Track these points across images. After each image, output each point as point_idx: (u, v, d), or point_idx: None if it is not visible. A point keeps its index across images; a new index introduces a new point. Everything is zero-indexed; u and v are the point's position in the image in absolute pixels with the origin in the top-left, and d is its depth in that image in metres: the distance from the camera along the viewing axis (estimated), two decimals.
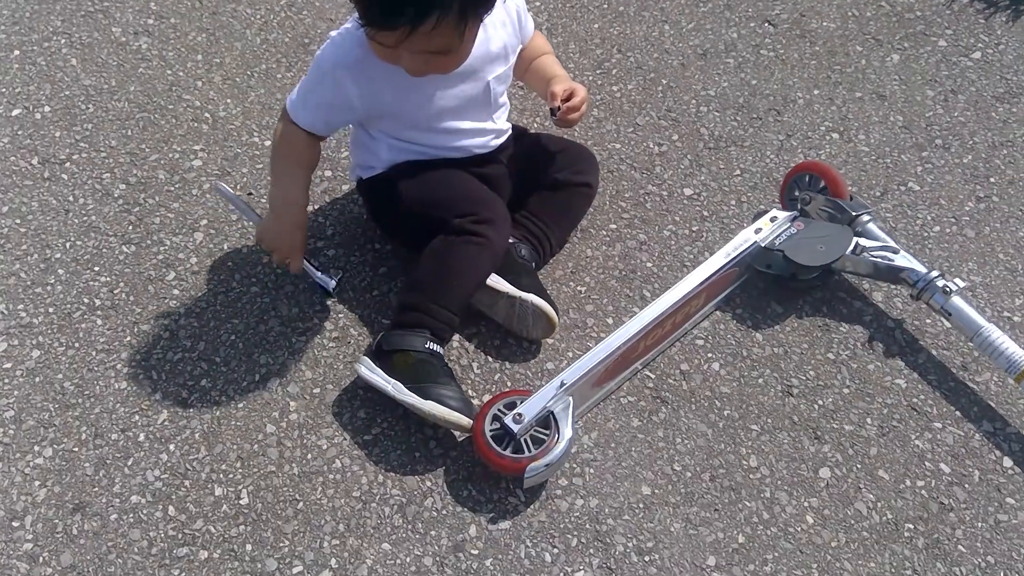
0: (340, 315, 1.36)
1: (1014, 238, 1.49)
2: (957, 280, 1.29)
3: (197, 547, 1.12)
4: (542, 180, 1.40)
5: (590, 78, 1.76)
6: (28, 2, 1.86)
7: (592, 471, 1.21)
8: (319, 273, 1.31)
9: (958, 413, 1.27)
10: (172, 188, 1.54)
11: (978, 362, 1.32)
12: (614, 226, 1.50)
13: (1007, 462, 1.23)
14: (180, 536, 1.13)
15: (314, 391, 1.28)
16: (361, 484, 1.18)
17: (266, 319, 1.36)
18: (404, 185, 1.29)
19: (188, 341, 1.33)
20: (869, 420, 1.27)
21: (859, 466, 1.22)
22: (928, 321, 1.37)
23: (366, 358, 1.23)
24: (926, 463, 1.23)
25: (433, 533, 1.14)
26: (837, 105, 1.71)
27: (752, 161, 1.61)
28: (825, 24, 1.87)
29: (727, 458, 1.23)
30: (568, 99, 1.31)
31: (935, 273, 1.30)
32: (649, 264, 1.45)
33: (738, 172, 1.59)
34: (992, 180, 1.58)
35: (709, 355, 1.34)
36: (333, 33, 1.22)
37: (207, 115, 1.66)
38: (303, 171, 1.29)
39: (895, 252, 1.33)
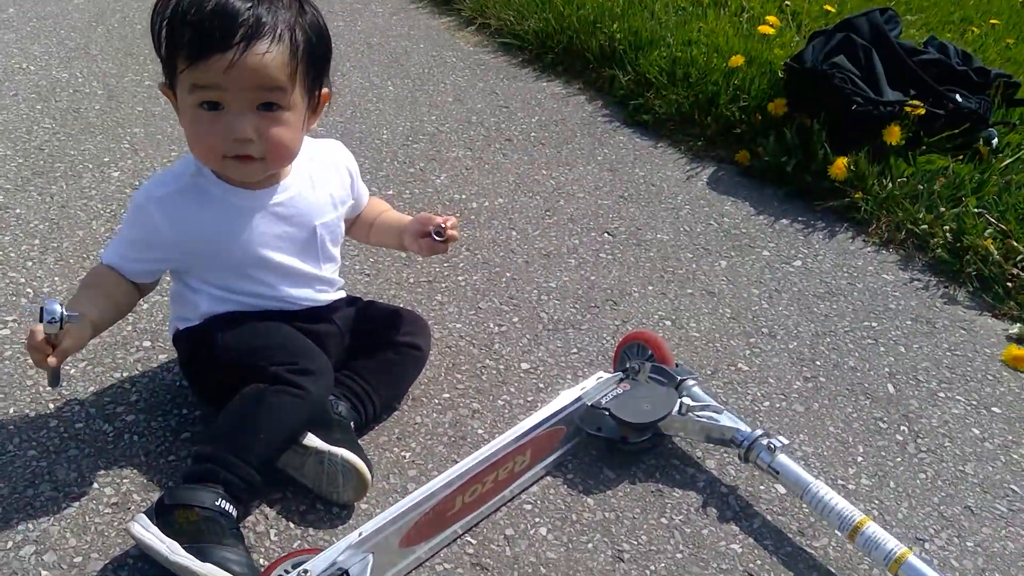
0: (125, 480, 1.22)
1: (843, 413, 1.50)
2: (781, 438, 1.27)
3: None
4: (370, 341, 1.36)
5: (437, 269, 1.80)
6: None
7: None
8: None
9: None
10: None
11: (815, 527, 1.26)
12: (447, 395, 1.45)
13: None
14: None
15: (75, 560, 1.09)
16: None
17: (37, 483, 1.19)
18: (221, 335, 1.23)
19: None
20: None
21: None
22: (762, 487, 1.32)
23: (142, 515, 1.08)
24: None
25: None
26: (670, 299, 1.78)
27: (589, 341, 1.62)
28: (659, 236, 2.01)
29: None
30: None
31: (759, 431, 1.28)
32: (480, 431, 1.38)
33: (575, 350, 1.60)
34: (818, 363, 1.63)
35: (536, 519, 1.23)
36: None
37: (29, 290, 1.59)
38: (101, 296, 1.17)
39: (719, 412, 1.32)
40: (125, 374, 1.40)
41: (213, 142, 1.13)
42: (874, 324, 1.76)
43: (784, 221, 2.12)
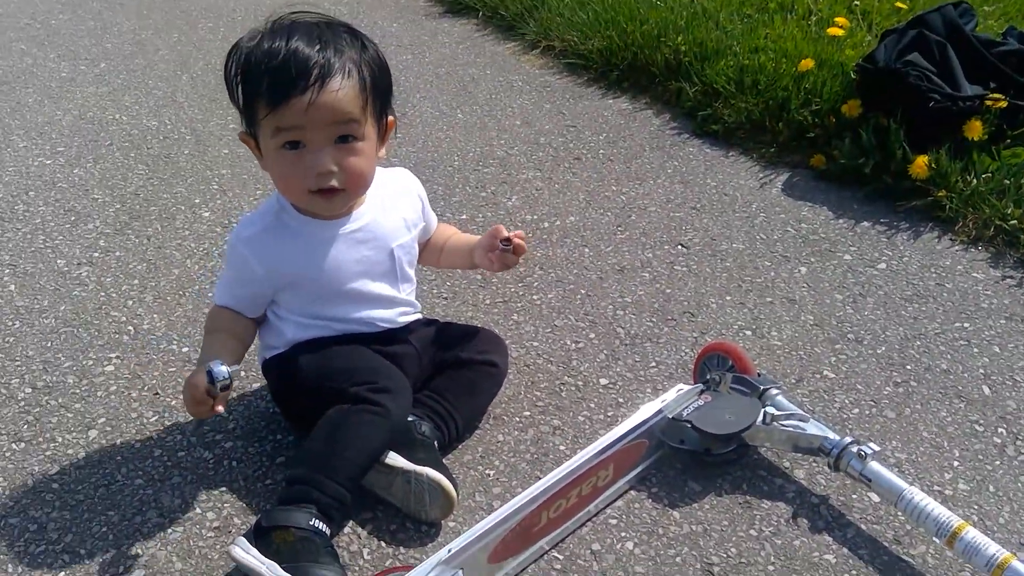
0: (226, 504, 1.27)
1: (936, 418, 1.45)
2: (872, 444, 1.24)
3: None
4: (447, 360, 1.39)
5: (512, 290, 1.82)
6: None
7: None
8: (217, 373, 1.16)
9: None
10: (78, 391, 1.51)
11: (911, 535, 1.22)
12: (528, 413, 1.46)
13: None
14: None
15: None
16: None
17: (144, 510, 1.26)
18: (304, 359, 1.28)
19: (55, 533, 1.22)
20: None
21: None
22: (855, 496, 1.29)
23: (242, 538, 1.13)
24: None
25: None
26: (748, 308, 1.76)
27: (667, 355, 1.62)
28: (735, 245, 1.99)
29: None
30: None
31: (848, 439, 1.25)
32: (562, 447, 1.39)
33: (654, 364, 1.59)
34: (908, 367, 1.58)
35: (623, 534, 1.23)
36: None
37: (130, 328, 1.68)
38: (231, 339, 1.29)
39: (805, 420, 1.29)
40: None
41: (298, 180, 1.20)
42: (966, 325, 1.69)
43: (865, 224, 2.06)
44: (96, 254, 1.93)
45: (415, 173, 1.44)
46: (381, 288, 1.32)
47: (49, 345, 1.63)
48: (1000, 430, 1.42)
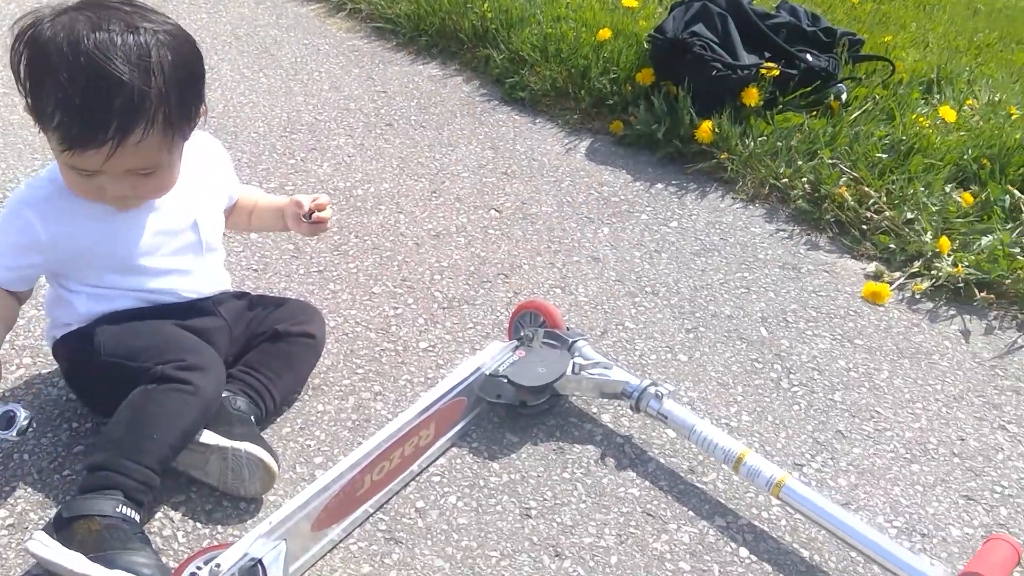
0: (19, 500, 1.18)
1: (722, 359, 1.61)
2: (667, 385, 1.35)
3: None
4: (261, 333, 1.36)
5: (327, 259, 1.80)
6: None
7: None
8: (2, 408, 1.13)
9: (691, 513, 1.27)
10: None
11: (703, 464, 1.36)
12: (347, 381, 1.47)
13: (743, 552, 1.22)
14: None
15: None
16: None
17: None
18: (101, 337, 1.20)
19: None
20: (607, 530, 1.23)
21: None
22: (654, 434, 1.41)
23: (41, 532, 1.06)
24: (666, 564, 1.19)
25: None
26: (558, 267, 1.85)
27: (483, 316, 1.67)
28: (544, 208, 2.07)
29: None
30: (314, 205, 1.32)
31: (647, 382, 1.36)
32: (384, 412, 1.41)
33: (471, 325, 1.64)
34: (697, 315, 1.73)
35: (446, 489, 1.28)
36: None
37: None
38: None
39: (609, 368, 1.39)
40: (8, 393, 1.35)
41: (87, 194, 1.14)
42: (746, 274, 1.88)
43: (659, 185, 2.22)
44: None
45: (216, 139, 1.38)
46: (186, 258, 1.27)
47: None
48: (776, 366, 1.60)
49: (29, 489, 1.20)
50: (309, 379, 1.44)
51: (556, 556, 1.18)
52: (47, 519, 1.15)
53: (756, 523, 1.26)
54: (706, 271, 1.88)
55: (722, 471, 1.34)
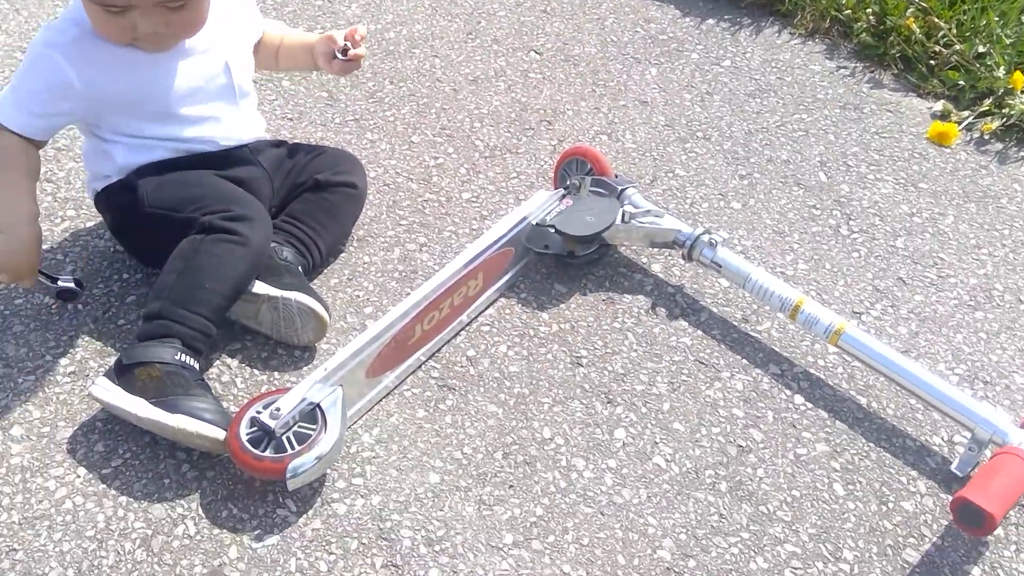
0: (78, 349, 1.20)
1: (777, 205, 1.55)
2: (721, 232, 1.31)
3: None
4: (303, 183, 1.32)
5: (363, 106, 1.73)
6: None
7: (373, 468, 1.09)
8: (57, 283, 1.16)
9: (744, 361, 1.26)
10: None
11: (757, 313, 1.33)
12: (392, 232, 1.44)
13: (798, 399, 1.21)
14: None
15: (43, 430, 1.09)
16: (96, 522, 1.00)
17: None
18: (143, 188, 1.17)
19: None
20: (659, 378, 1.23)
21: (653, 422, 1.17)
22: (706, 283, 1.38)
23: (103, 378, 1.07)
24: (719, 410, 1.19)
25: (184, 562, 0.97)
26: (603, 112, 1.76)
27: (527, 164, 1.61)
28: (587, 49, 1.96)
29: (519, 434, 1.14)
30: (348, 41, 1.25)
31: (700, 229, 1.31)
32: (430, 263, 1.39)
33: (515, 175, 1.59)
34: (752, 160, 1.65)
35: (496, 339, 1.27)
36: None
37: None
38: (26, 180, 1.14)
39: (660, 216, 1.34)
40: (56, 246, 1.35)
41: (118, 34, 1.07)
42: (804, 116, 1.78)
43: (710, 21, 2.07)
44: None
45: None
46: (219, 105, 1.21)
47: None
48: (835, 212, 1.54)
49: (87, 338, 1.21)
50: (353, 231, 1.41)
51: (608, 403, 1.19)
52: (105, 366, 1.17)
53: (812, 371, 1.25)
54: (761, 113, 1.78)
55: (777, 320, 1.31)
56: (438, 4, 2.07)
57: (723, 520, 1.06)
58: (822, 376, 1.24)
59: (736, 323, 1.32)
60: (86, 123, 1.19)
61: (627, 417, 1.17)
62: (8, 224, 1.10)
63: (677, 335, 1.29)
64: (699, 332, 1.30)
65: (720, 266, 1.29)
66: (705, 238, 1.30)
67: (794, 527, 1.06)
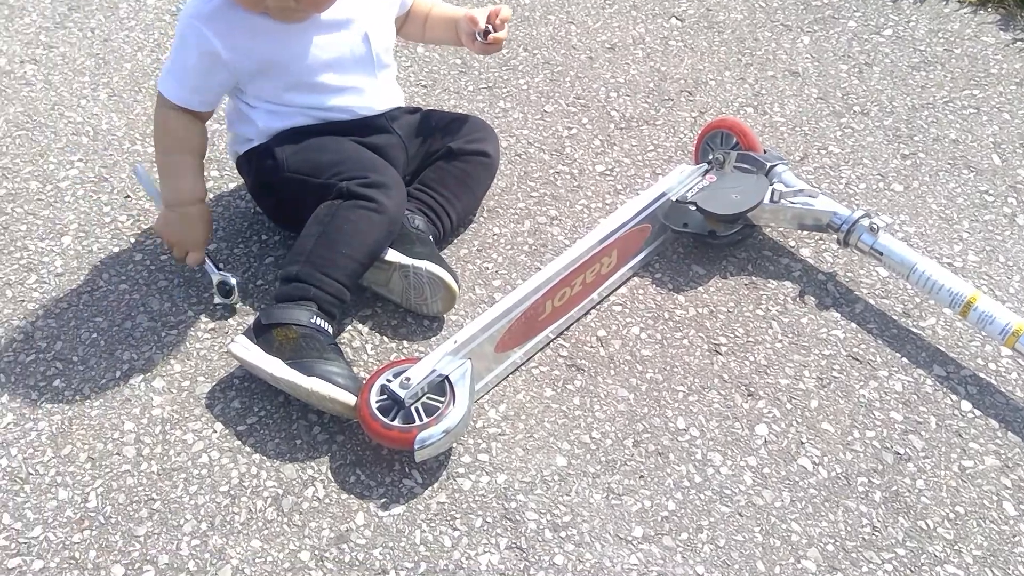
0: (217, 307, 1.22)
1: (945, 189, 1.41)
2: (883, 217, 1.20)
3: (32, 556, 0.94)
4: (436, 151, 1.30)
5: (496, 74, 1.69)
6: None
7: (500, 445, 1.06)
8: (217, 272, 1.20)
9: (905, 360, 1.15)
10: (43, 197, 1.41)
11: (921, 308, 1.21)
12: (523, 204, 1.40)
13: (965, 406, 1.10)
14: (13, 546, 0.95)
15: (183, 384, 1.12)
16: (231, 478, 1.02)
17: (133, 315, 1.21)
18: (283, 153, 1.19)
19: (44, 342, 1.18)
20: (807, 373, 1.14)
21: (799, 420, 1.09)
22: (862, 272, 1.27)
23: (242, 336, 1.09)
24: (875, 412, 1.09)
25: (313, 525, 0.97)
26: (749, 84, 1.65)
27: (665, 137, 1.53)
28: (732, 15, 1.84)
29: (652, 422, 1.08)
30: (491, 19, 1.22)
31: (859, 213, 1.20)
32: (561, 237, 1.34)
33: (652, 148, 1.51)
34: (916, 139, 1.51)
35: (628, 320, 1.21)
36: None
37: (88, 128, 1.55)
38: (192, 158, 1.20)
39: (814, 196, 1.24)
40: None
41: (248, 2, 1.08)
42: (975, 92, 1.61)
43: None
44: (39, 50, 1.75)
45: None
46: (358, 76, 1.20)
47: (4, 151, 1.50)
48: (1010, 200, 1.39)
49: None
50: (484, 201, 1.38)
51: (749, 395, 1.11)
52: (245, 325, 1.19)
53: (982, 375, 1.13)
54: (926, 88, 1.63)
55: (942, 316, 1.19)
56: None
57: (876, 533, 0.97)
58: (993, 381, 1.12)
59: (896, 317, 1.21)
60: (233, 88, 1.20)
61: (770, 412, 1.09)
62: (178, 201, 1.18)
63: (828, 327, 1.20)
64: (853, 325, 1.20)
65: (881, 254, 1.19)
66: (865, 222, 1.19)
67: (956, 547, 0.96)
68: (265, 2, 1.07)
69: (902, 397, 1.11)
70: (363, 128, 1.23)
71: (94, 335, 1.18)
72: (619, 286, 1.25)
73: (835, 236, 1.22)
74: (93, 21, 1.82)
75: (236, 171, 1.32)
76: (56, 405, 1.09)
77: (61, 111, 1.59)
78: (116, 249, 1.31)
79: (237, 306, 1.21)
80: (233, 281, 1.20)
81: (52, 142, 1.52)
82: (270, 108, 1.19)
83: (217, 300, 1.20)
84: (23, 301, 1.23)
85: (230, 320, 1.20)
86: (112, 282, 1.26)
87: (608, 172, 1.47)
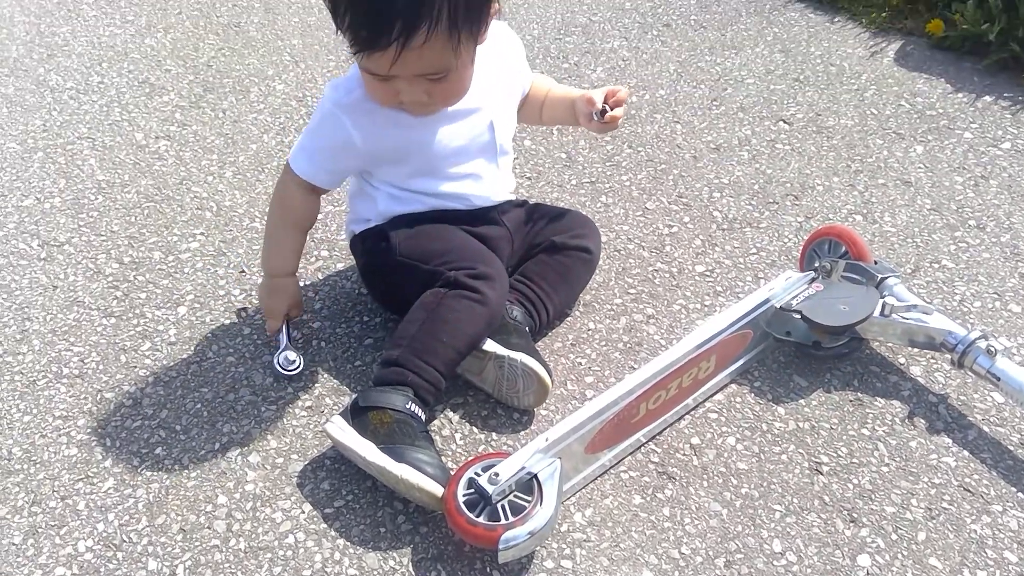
0: (317, 385, 1.26)
1: None
2: (1002, 339, 1.14)
3: None
4: (539, 244, 1.32)
5: (599, 169, 1.72)
6: (60, 113, 1.94)
7: (584, 552, 1.03)
8: (286, 344, 1.26)
9: (1021, 495, 1.08)
10: (164, 267, 1.50)
11: None
12: (619, 300, 1.40)
13: None
14: None
15: (277, 461, 1.15)
16: (314, 561, 1.03)
17: (237, 388, 1.26)
18: (398, 235, 1.23)
19: (151, 409, 1.23)
20: (914, 502, 1.07)
21: (905, 552, 1.02)
22: (976, 396, 1.20)
23: (338, 417, 1.11)
24: (987, 551, 1.02)
25: None
26: (859, 191, 1.63)
27: (769, 241, 1.51)
28: (842, 121, 1.83)
29: (746, 541, 1.04)
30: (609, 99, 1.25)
31: (976, 333, 1.15)
32: (657, 336, 1.33)
33: (754, 251, 1.49)
34: None
35: (724, 429, 1.18)
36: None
37: (212, 204, 1.65)
38: (297, 233, 1.28)
39: (928, 313, 1.19)
40: (308, 282, 1.44)
41: (384, 99, 1.13)
42: None
43: (987, 98, 1.87)
44: (173, 127, 1.88)
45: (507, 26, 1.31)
46: (479, 163, 1.24)
47: (133, 220, 1.61)
48: None
49: (325, 375, 1.27)
50: (581, 295, 1.38)
51: (851, 522, 1.05)
52: (340, 405, 1.21)
53: None
54: None
55: None
56: (684, 70, 2.03)
57: None
58: None
59: (1012, 447, 1.13)
60: (359, 170, 1.26)
61: (873, 542, 1.03)
62: (271, 271, 1.28)
63: (938, 453, 1.13)
64: (965, 453, 1.13)
65: (998, 378, 1.12)
66: (982, 344, 1.14)
67: None
68: (399, 98, 1.12)
69: (1017, 536, 1.03)
70: (475, 218, 1.27)
71: (198, 405, 1.23)
72: (715, 392, 1.23)
73: (948, 356, 1.17)
74: (225, 103, 1.96)
75: (346, 252, 1.37)
76: (155, 473, 1.13)
77: (188, 186, 1.70)
78: (227, 322, 1.37)
79: (335, 383, 1.24)
80: (294, 356, 1.25)
81: (178, 215, 1.62)
82: (392, 192, 1.24)
83: (277, 369, 1.24)
84: (135, 367, 1.29)
85: (326, 399, 1.23)
86: (220, 354, 1.31)
87: (708, 273, 1.45)
